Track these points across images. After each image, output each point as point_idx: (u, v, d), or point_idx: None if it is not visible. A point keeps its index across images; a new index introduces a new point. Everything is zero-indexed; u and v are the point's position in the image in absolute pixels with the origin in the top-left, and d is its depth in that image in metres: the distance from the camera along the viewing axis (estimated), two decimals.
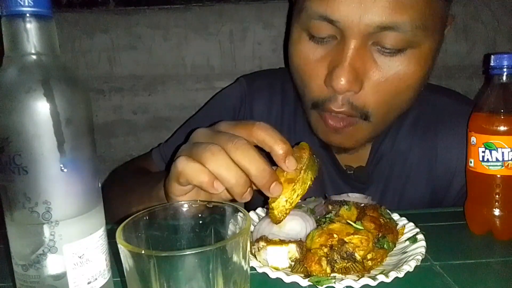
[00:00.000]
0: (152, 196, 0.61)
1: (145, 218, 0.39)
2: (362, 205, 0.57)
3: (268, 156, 0.50)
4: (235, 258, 0.34)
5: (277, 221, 0.50)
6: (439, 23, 0.62)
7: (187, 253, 0.32)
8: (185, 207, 0.42)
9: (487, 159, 0.55)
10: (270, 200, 0.50)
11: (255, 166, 0.46)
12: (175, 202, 0.44)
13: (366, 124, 0.65)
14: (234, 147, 0.47)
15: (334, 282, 0.44)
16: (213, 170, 0.46)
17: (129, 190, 0.70)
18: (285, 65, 1.04)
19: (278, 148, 0.48)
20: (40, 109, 0.34)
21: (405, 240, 0.53)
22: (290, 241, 0.49)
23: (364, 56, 0.60)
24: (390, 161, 0.77)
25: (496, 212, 0.56)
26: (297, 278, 0.44)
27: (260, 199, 0.55)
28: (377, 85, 0.61)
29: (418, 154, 0.76)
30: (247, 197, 0.48)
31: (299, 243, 0.49)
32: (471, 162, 0.58)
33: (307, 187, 0.50)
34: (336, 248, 0.47)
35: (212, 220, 0.41)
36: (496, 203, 0.56)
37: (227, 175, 0.46)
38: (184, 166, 0.47)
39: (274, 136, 0.48)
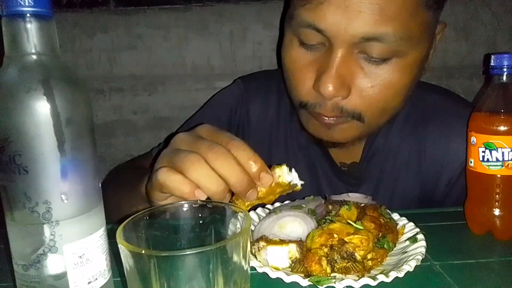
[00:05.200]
0: (137, 195, 0.61)
1: (145, 218, 0.39)
2: (362, 205, 0.57)
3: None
4: (235, 258, 0.34)
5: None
6: (426, 33, 0.64)
7: (188, 253, 0.32)
8: (185, 207, 0.42)
9: (487, 159, 0.55)
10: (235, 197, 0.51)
11: (234, 175, 0.48)
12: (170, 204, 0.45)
13: (359, 124, 0.67)
14: (214, 156, 0.48)
15: (334, 282, 0.44)
16: (194, 179, 0.47)
17: (119, 189, 0.70)
18: (278, 65, 1.04)
19: (251, 167, 0.49)
20: (40, 109, 0.34)
21: (405, 240, 0.53)
22: (290, 241, 0.49)
23: (351, 63, 0.62)
24: (382, 157, 0.78)
25: (496, 212, 0.56)
26: (297, 278, 0.44)
27: None
28: (364, 91, 0.63)
29: (408, 150, 0.77)
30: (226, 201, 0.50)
31: (299, 243, 0.49)
32: (471, 162, 0.58)
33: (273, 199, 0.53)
34: (336, 248, 0.47)
35: (212, 220, 0.41)
36: (496, 203, 0.56)
37: (208, 184, 0.47)
38: (166, 178, 0.48)
39: (246, 156, 0.49)
